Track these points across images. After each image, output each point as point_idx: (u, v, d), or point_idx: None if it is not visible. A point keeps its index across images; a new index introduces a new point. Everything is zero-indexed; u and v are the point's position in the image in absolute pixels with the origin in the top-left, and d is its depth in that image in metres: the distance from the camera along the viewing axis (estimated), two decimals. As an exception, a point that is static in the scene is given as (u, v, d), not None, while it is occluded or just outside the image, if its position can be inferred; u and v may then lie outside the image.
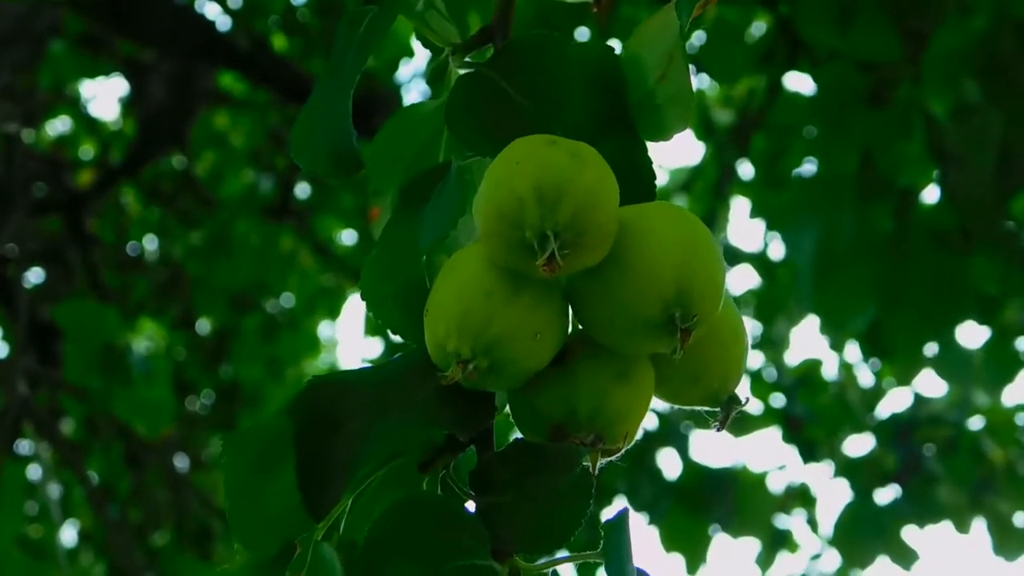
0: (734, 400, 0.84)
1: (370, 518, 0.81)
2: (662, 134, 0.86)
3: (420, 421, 0.81)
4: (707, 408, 0.85)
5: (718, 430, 0.85)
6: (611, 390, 0.81)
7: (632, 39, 0.87)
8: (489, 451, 0.82)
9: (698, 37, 3.69)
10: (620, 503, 4.24)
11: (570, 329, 0.82)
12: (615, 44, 0.89)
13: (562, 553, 0.80)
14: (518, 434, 0.83)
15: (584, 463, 0.80)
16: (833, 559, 4.69)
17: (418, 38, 0.98)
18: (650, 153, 0.85)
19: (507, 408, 0.84)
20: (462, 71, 0.92)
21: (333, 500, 0.79)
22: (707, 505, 4.32)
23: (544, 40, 0.89)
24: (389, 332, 0.86)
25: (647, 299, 0.77)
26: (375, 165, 1.00)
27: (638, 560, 0.79)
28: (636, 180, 0.83)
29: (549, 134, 0.80)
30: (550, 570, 0.80)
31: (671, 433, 4.30)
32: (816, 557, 4.86)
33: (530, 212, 0.74)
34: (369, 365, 0.87)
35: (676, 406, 0.87)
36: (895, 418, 4.45)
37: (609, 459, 0.82)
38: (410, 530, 0.78)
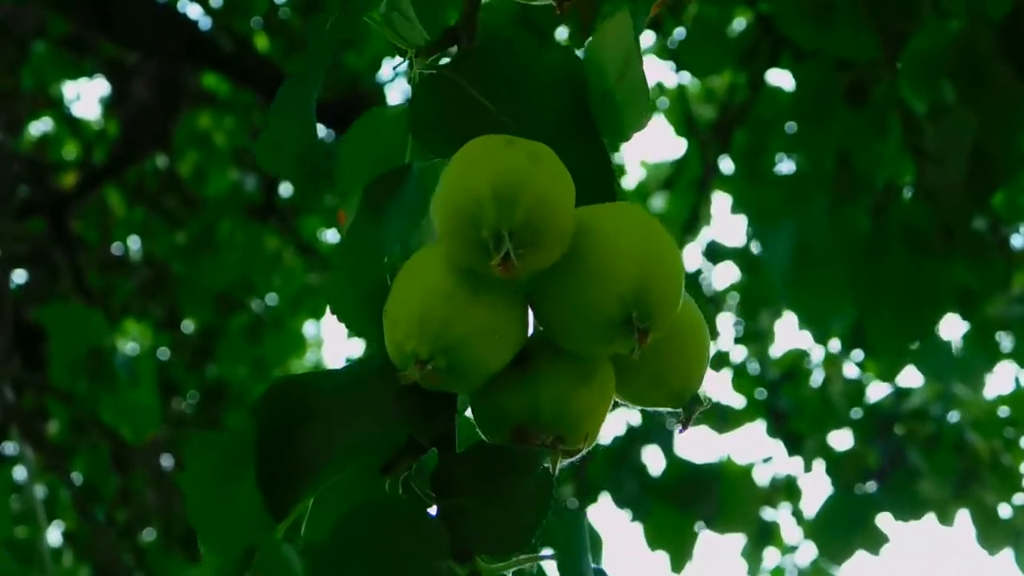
0: (696, 401, 0.84)
1: (332, 519, 0.81)
2: (622, 134, 0.86)
3: (381, 423, 0.81)
4: (670, 409, 0.85)
5: (681, 431, 0.86)
6: (573, 391, 0.81)
7: (592, 41, 0.88)
8: (451, 453, 0.83)
9: (679, 33, 3.70)
10: (605, 500, 4.24)
11: (531, 331, 0.82)
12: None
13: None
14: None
15: (545, 464, 0.81)
16: (811, 552, 4.70)
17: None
18: (611, 155, 0.85)
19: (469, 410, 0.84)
20: (425, 73, 0.92)
21: (294, 500, 0.79)
22: (692, 502, 4.32)
23: (507, 43, 0.89)
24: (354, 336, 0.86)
25: (605, 299, 0.77)
26: (343, 168, 1.00)
27: (608, 561, 0.79)
28: (598, 182, 0.84)
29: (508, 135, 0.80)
30: (511, 571, 0.80)
31: (656, 429, 4.30)
32: (792, 550, 4.86)
33: (487, 212, 0.74)
34: (334, 367, 0.87)
35: (640, 407, 0.87)
36: (876, 412, 4.45)
37: (570, 460, 0.83)
38: (370, 534, 0.78)
